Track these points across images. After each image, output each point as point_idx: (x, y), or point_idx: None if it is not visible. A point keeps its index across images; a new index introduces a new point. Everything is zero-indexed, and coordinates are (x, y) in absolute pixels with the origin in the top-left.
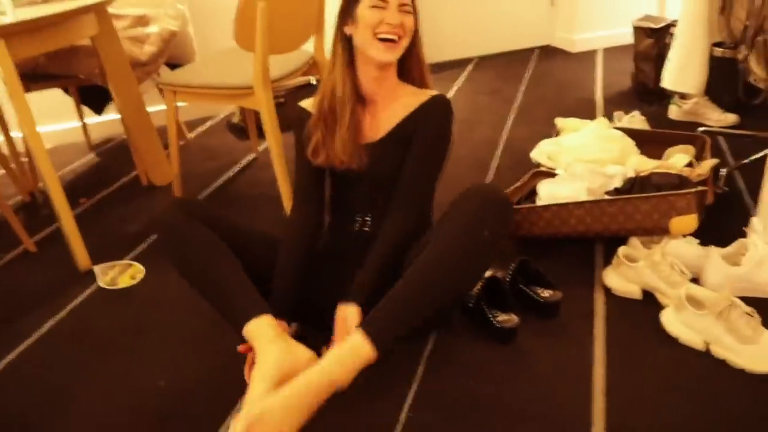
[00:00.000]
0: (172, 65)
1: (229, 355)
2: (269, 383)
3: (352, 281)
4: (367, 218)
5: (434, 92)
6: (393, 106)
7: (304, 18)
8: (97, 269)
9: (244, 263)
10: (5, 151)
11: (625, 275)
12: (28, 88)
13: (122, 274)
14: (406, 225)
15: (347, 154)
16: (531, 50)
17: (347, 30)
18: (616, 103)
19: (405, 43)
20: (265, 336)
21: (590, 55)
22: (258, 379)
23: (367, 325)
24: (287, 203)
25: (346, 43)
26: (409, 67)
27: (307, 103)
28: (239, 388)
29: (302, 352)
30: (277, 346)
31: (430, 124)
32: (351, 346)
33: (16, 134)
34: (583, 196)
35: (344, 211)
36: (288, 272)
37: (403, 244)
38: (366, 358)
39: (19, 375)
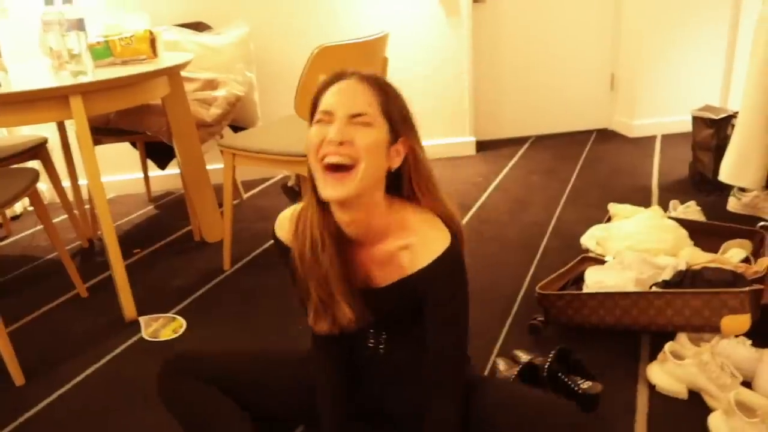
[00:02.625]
0: (236, 128)
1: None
2: None
3: (371, 396)
4: (381, 338)
5: (442, 241)
6: (388, 246)
7: None
8: (142, 320)
9: (260, 397)
10: (70, 197)
11: (671, 372)
12: (99, 141)
13: (165, 327)
14: (452, 416)
15: (356, 318)
16: (588, 132)
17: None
18: (672, 191)
19: (363, 168)
20: None
21: (648, 140)
22: None
23: None
24: None
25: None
26: (416, 188)
27: (281, 228)
28: None
29: None
30: None
31: (445, 291)
32: None
33: (82, 182)
34: (630, 287)
35: (353, 334)
36: (330, 421)
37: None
38: None
39: (54, 419)
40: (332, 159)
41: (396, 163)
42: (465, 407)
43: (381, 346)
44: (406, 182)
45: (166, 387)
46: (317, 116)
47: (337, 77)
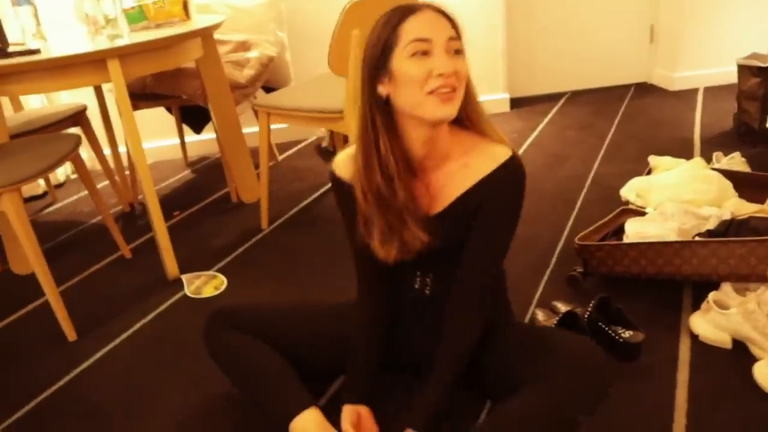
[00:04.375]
0: (269, 89)
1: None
2: None
3: (414, 341)
4: (431, 280)
5: (503, 152)
6: (449, 168)
7: None
8: (184, 278)
9: (302, 348)
10: (111, 164)
11: (715, 322)
12: (136, 107)
13: (207, 285)
14: (473, 329)
15: (425, 234)
16: (627, 87)
17: (382, 90)
18: (715, 144)
19: (461, 93)
20: None
21: (690, 93)
22: None
23: None
24: None
25: (381, 106)
26: (467, 114)
27: (341, 166)
28: None
29: None
30: None
31: (504, 199)
32: None
33: (121, 149)
34: (672, 237)
35: (400, 271)
36: (366, 359)
37: (470, 350)
38: None
39: (106, 372)
40: (444, 90)
41: None
42: (482, 346)
43: (427, 288)
44: (467, 111)
45: (211, 340)
46: (410, 47)
47: (411, 10)
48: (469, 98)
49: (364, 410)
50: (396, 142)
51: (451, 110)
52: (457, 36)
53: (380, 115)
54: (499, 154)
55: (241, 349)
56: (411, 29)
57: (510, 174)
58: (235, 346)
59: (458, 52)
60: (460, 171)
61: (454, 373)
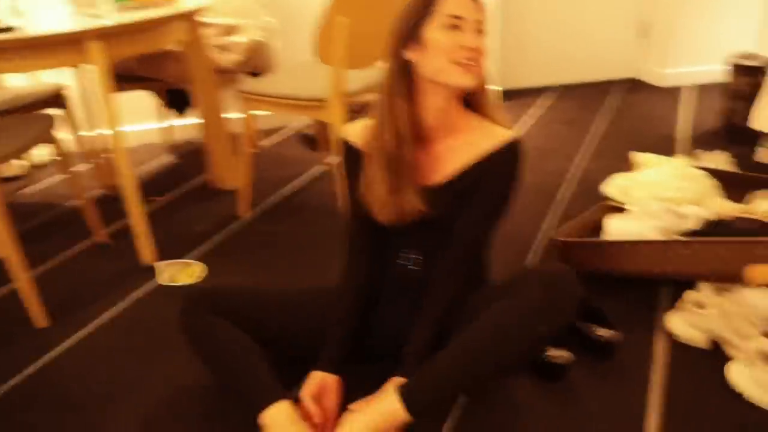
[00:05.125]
0: (254, 74)
1: (275, 365)
2: None
3: (397, 322)
4: (418, 257)
5: (506, 133)
6: (453, 142)
7: (383, 35)
8: (156, 266)
9: (280, 333)
10: (91, 146)
11: (691, 321)
12: (119, 88)
13: (181, 273)
14: (457, 287)
15: (421, 203)
16: (617, 82)
17: (409, 55)
18: (702, 142)
19: (481, 68)
20: (280, 425)
21: (679, 90)
22: None
23: (404, 389)
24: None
25: (404, 71)
26: (477, 97)
27: (353, 134)
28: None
29: None
30: None
31: (503, 176)
32: (386, 409)
33: (101, 131)
34: (653, 235)
35: (389, 244)
36: (344, 325)
37: (454, 308)
38: (399, 422)
39: (76, 360)
40: (469, 62)
41: None
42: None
43: (411, 264)
44: (474, 92)
45: (186, 321)
46: (445, 20)
47: None
48: (481, 83)
49: (331, 380)
50: (411, 107)
51: (471, 80)
52: (483, 19)
53: (402, 79)
54: (503, 136)
55: (217, 334)
56: (447, 5)
57: (511, 154)
58: (210, 330)
59: (481, 32)
60: (464, 147)
61: (438, 322)
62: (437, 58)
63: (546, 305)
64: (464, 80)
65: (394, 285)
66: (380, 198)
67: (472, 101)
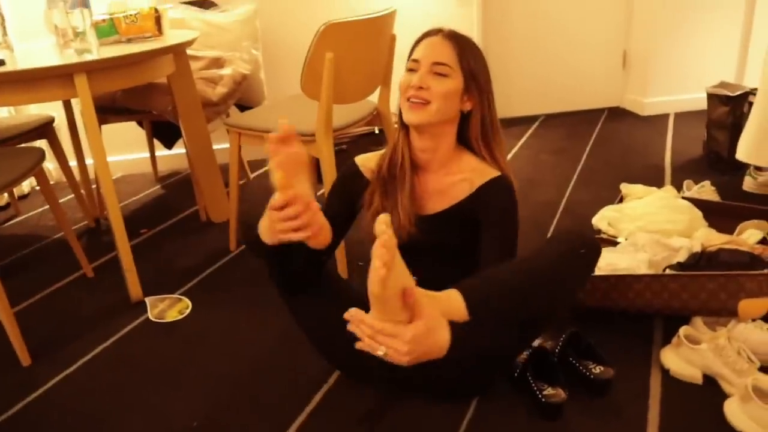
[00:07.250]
0: (242, 107)
1: (264, 405)
2: None
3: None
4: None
5: (495, 173)
6: (447, 180)
7: (371, 71)
8: (148, 301)
9: None
10: (78, 176)
11: (685, 357)
12: (105, 120)
13: (171, 308)
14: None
15: (411, 223)
16: (600, 111)
17: None
18: (686, 171)
19: (435, 108)
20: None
21: (660, 119)
22: None
23: (465, 287)
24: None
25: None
26: (468, 137)
27: (364, 160)
28: None
29: None
30: None
31: (493, 208)
32: (448, 296)
33: (90, 162)
34: (643, 269)
35: None
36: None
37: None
38: (457, 315)
39: (60, 398)
40: (415, 100)
41: (467, 107)
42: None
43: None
44: (472, 133)
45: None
46: (408, 64)
47: (429, 33)
48: (481, 129)
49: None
50: (408, 140)
51: (415, 118)
52: (446, 63)
53: (401, 118)
54: (490, 174)
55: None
56: (416, 50)
57: (497, 184)
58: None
59: (441, 74)
60: (459, 185)
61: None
62: (400, 96)
63: (580, 238)
64: (409, 117)
65: None
66: (375, 211)
67: (473, 145)
